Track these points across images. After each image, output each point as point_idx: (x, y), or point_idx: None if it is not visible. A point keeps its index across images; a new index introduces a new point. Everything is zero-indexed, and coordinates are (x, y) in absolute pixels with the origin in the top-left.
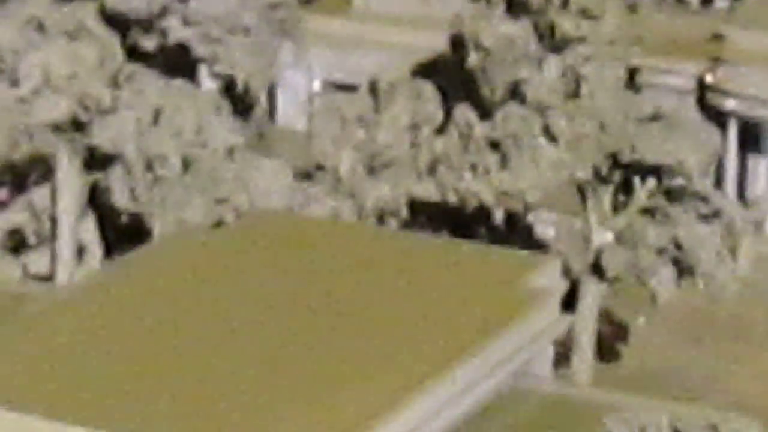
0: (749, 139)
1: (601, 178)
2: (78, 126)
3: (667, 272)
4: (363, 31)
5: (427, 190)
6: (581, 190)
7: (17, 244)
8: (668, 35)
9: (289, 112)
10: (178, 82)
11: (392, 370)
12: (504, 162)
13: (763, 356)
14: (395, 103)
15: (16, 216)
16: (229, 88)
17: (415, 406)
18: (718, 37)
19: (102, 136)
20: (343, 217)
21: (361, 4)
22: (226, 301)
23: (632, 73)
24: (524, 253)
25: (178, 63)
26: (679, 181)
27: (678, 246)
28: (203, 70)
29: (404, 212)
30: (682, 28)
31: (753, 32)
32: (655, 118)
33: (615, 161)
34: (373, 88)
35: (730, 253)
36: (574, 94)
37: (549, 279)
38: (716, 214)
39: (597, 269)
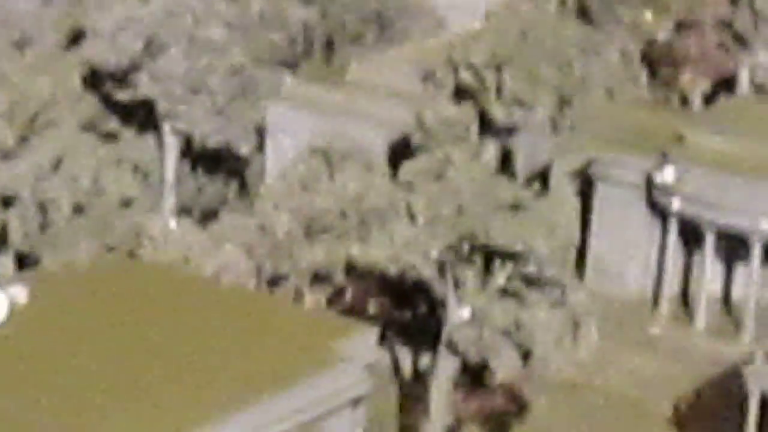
0: (692, 237)
1: (463, 259)
2: None
3: (509, 352)
4: (352, 101)
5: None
6: (442, 269)
7: None
8: (631, 130)
9: (275, 173)
10: (84, 136)
11: (173, 409)
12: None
13: None
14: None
15: None
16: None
17: None
18: (679, 137)
19: (3, 180)
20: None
21: (354, 77)
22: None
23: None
24: (346, 321)
25: (148, 116)
26: (534, 268)
27: (519, 328)
28: (166, 126)
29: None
30: (644, 123)
31: (714, 136)
32: (514, 206)
33: (478, 244)
34: (325, 156)
35: (572, 339)
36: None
37: (358, 346)
38: (562, 301)
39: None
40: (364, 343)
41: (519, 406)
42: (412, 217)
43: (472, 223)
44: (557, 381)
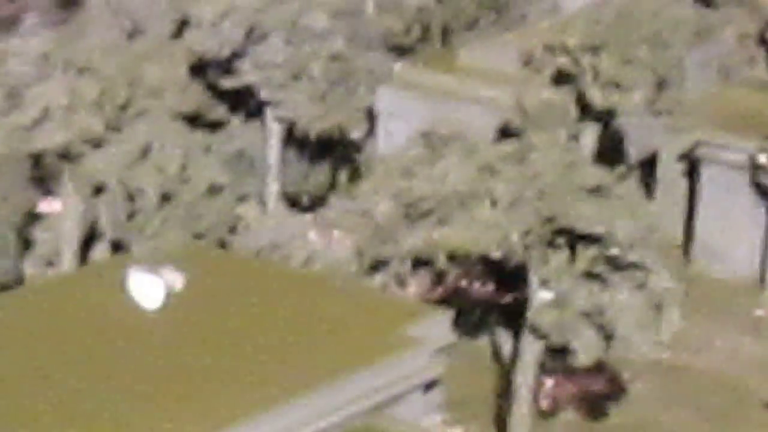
0: None
1: (546, 242)
2: (76, 156)
3: (591, 335)
4: (463, 85)
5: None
6: (527, 252)
7: None
8: (738, 111)
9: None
10: (173, 123)
11: (237, 393)
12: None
13: (744, 428)
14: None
15: None
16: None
17: (252, 428)
18: None
19: (92, 167)
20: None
21: (465, 62)
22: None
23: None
24: (419, 305)
25: (253, 104)
26: (618, 251)
27: (603, 311)
28: (269, 113)
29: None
30: (756, 105)
31: None
32: (595, 190)
33: (560, 228)
34: (430, 141)
35: (654, 322)
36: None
37: (430, 330)
38: (645, 284)
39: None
40: (436, 327)
41: (616, 389)
42: (493, 201)
43: (554, 207)
44: (655, 364)
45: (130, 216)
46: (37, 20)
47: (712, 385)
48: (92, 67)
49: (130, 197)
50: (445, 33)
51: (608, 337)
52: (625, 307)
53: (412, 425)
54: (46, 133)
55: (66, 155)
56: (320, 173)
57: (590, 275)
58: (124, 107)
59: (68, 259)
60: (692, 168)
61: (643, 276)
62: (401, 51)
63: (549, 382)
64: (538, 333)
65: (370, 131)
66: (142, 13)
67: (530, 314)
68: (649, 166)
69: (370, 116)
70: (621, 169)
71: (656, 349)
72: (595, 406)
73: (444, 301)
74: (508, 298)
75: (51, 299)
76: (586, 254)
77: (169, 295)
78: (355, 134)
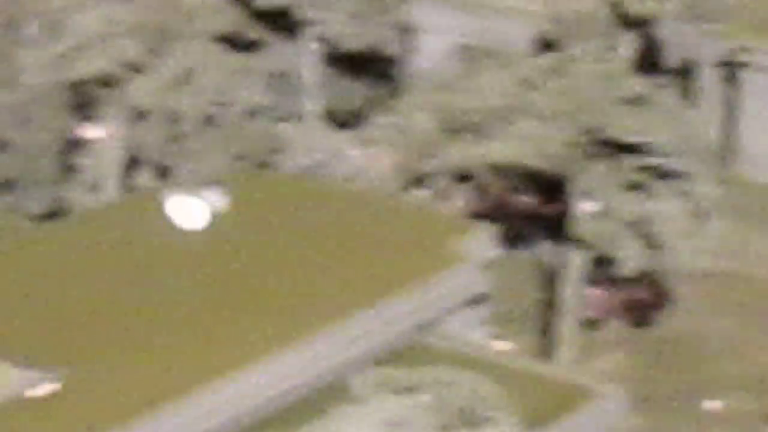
0: None
1: (588, 154)
2: (116, 82)
3: (635, 245)
4: None
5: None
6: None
7: None
8: None
9: (424, 72)
10: (212, 46)
11: (289, 311)
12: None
13: None
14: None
15: None
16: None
17: (304, 345)
18: None
19: (133, 93)
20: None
21: None
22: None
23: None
24: (463, 221)
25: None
26: (660, 160)
27: (647, 221)
28: (306, 32)
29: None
30: None
31: None
32: (635, 100)
33: (602, 139)
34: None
35: (698, 230)
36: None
37: (475, 245)
38: (689, 192)
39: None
40: (482, 241)
41: (661, 297)
42: (534, 114)
43: (594, 118)
44: (699, 272)
45: (173, 140)
46: None
47: (757, 292)
48: None
49: (172, 121)
50: None
51: (652, 246)
52: (669, 216)
53: (461, 341)
54: (85, 60)
55: (106, 82)
56: (359, 91)
57: (633, 185)
58: (162, 32)
59: (111, 185)
60: (732, 74)
61: (686, 184)
62: None
63: (595, 293)
64: (583, 244)
65: (409, 47)
66: None
67: (574, 225)
68: (688, 74)
69: (409, 32)
70: (660, 78)
71: (701, 258)
72: (641, 316)
73: (487, 215)
74: (551, 210)
75: (95, 228)
76: (628, 164)
77: (215, 216)
78: (390, 50)
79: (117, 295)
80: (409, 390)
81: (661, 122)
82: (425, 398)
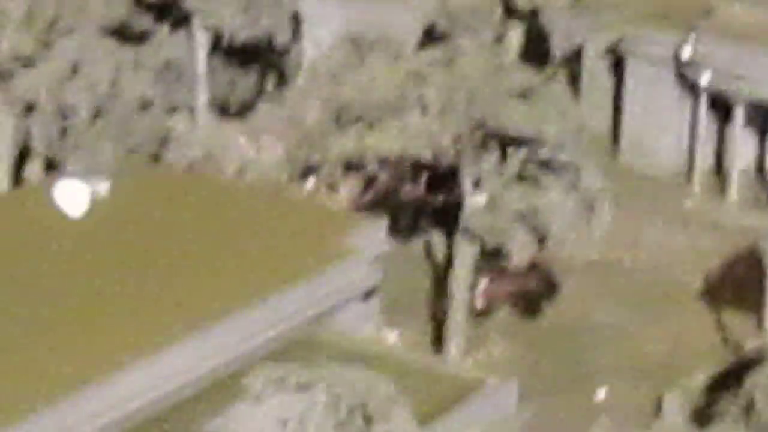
0: (723, 111)
1: (478, 146)
2: (7, 75)
3: (524, 236)
4: None
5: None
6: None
7: None
8: (658, 5)
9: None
10: (102, 40)
11: (177, 306)
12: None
13: (676, 319)
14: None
15: None
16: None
17: (194, 340)
18: (708, 10)
19: (23, 86)
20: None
21: None
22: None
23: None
24: (354, 215)
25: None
26: (548, 152)
27: (535, 212)
28: (196, 22)
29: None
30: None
31: (744, 7)
32: (524, 93)
33: (491, 132)
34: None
35: (586, 221)
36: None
37: (366, 239)
38: (576, 184)
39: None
40: (372, 236)
41: (549, 287)
42: (423, 107)
43: (483, 111)
44: (586, 261)
45: (63, 133)
46: None
47: (644, 279)
48: None
49: (62, 114)
50: None
51: (541, 237)
52: (558, 207)
53: (353, 334)
54: None
55: None
56: (248, 80)
57: (522, 177)
58: (52, 24)
59: (1, 178)
60: (617, 63)
61: (574, 176)
62: None
63: (483, 282)
64: (472, 236)
65: (296, 37)
66: None
67: (464, 218)
68: (574, 64)
69: (296, 22)
70: (548, 70)
71: (588, 248)
72: (529, 304)
73: (375, 205)
74: (439, 200)
75: None
76: (518, 156)
77: (97, 200)
78: (279, 41)
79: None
80: (304, 387)
81: (549, 115)
82: (320, 395)
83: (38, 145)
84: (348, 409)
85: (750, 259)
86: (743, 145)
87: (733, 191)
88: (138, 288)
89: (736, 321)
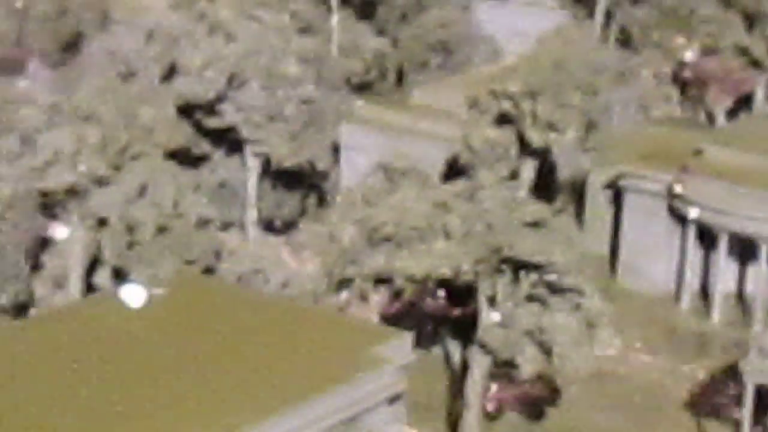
0: (709, 240)
1: (494, 270)
2: (82, 192)
3: (532, 351)
4: (414, 123)
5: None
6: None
7: None
8: (655, 146)
9: (348, 187)
10: (167, 164)
11: (229, 407)
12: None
13: (663, 426)
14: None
15: None
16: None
17: None
18: (698, 152)
19: (96, 204)
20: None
21: (417, 101)
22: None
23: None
24: (384, 328)
25: (234, 141)
26: (555, 277)
27: (543, 330)
28: (248, 149)
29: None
30: (670, 139)
31: (729, 151)
32: (535, 224)
33: (505, 257)
34: (388, 173)
35: (587, 338)
36: (470, 197)
37: (394, 350)
38: (579, 305)
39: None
40: (400, 347)
41: (552, 394)
42: (447, 234)
43: (500, 239)
44: (586, 372)
45: (130, 246)
46: (40, 64)
47: (637, 390)
48: (94, 114)
49: (129, 229)
50: (400, 73)
51: (548, 352)
52: (563, 326)
53: None
54: (55, 174)
55: (73, 192)
56: (292, 201)
57: (531, 298)
58: (123, 150)
59: (74, 283)
60: (617, 196)
61: (578, 298)
62: (361, 89)
63: (494, 387)
64: (487, 349)
65: (336, 162)
66: (134, 57)
67: (480, 333)
68: (580, 195)
69: (336, 149)
70: (557, 203)
71: (589, 362)
72: (534, 409)
73: (401, 315)
74: (458, 312)
75: (58, 325)
76: (528, 280)
77: (155, 307)
78: (321, 166)
79: (85, 381)
80: None
81: (556, 243)
82: None
83: (108, 256)
84: None
85: (730, 374)
86: (726, 271)
87: (717, 312)
88: (194, 389)
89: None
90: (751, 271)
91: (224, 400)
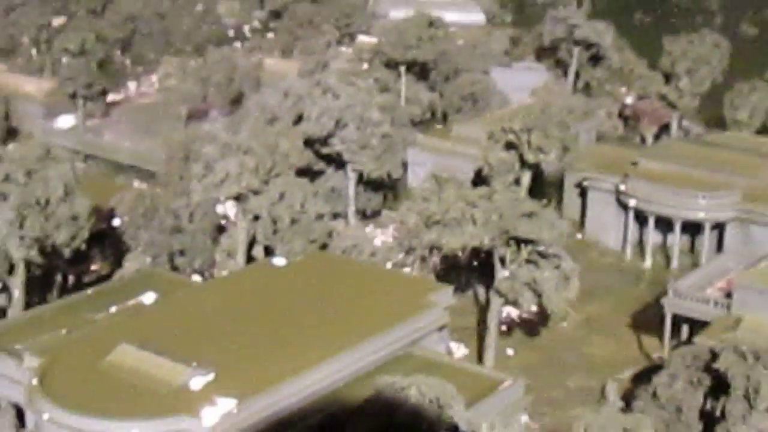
0: (642, 220)
1: (503, 243)
2: (244, 198)
3: (530, 296)
4: (455, 147)
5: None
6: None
7: None
8: (609, 159)
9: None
10: (297, 179)
11: (330, 338)
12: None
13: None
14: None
15: None
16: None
17: (344, 357)
18: (635, 163)
19: (252, 205)
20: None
21: (455, 134)
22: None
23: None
24: (434, 282)
25: (340, 161)
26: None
27: (535, 281)
28: (348, 167)
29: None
30: (617, 155)
31: (655, 162)
32: (530, 214)
33: (512, 236)
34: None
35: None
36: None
37: (440, 296)
38: (558, 266)
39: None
40: (444, 294)
41: (543, 319)
42: (474, 221)
43: (507, 224)
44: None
45: (274, 232)
46: (217, 113)
47: (595, 321)
48: (251, 148)
49: (274, 221)
50: (444, 116)
51: (539, 296)
52: (548, 279)
53: (433, 350)
54: (227, 188)
55: (238, 198)
56: (377, 198)
57: (528, 261)
58: (269, 171)
59: (240, 255)
60: (583, 193)
61: (558, 261)
62: (420, 126)
63: (504, 312)
64: (500, 294)
65: (405, 173)
66: (276, 108)
67: (495, 284)
68: (559, 193)
69: (405, 165)
70: (544, 201)
71: (565, 303)
72: (532, 328)
73: (446, 271)
74: (482, 271)
75: (231, 283)
76: (527, 249)
77: (289, 271)
78: (395, 176)
79: (250, 315)
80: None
81: (544, 226)
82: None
83: (260, 238)
84: (428, 400)
85: (655, 305)
86: (654, 239)
87: (648, 259)
88: (307, 323)
89: (650, 341)
90: (669, 238)
91: (335, 328)
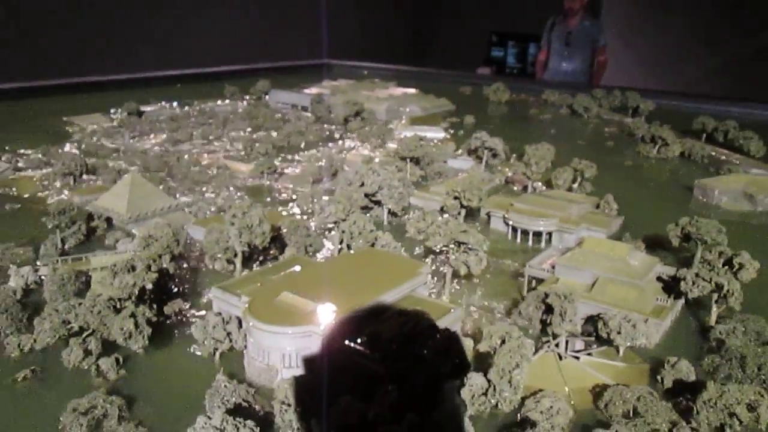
0: (523, 234)
1: (454, 244)
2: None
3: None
4: (432, 196)
5: None
6: None
7: None
8: (500, 202)
9: None
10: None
11: (378, 288)
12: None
13: None
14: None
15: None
16: None
17: (384, 296)
18: (512, 204)
19: (343, 226)
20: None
21: (432, 189)
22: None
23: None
24: (421, 262)
25: (378, 203)
26: None
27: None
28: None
29: None
30: (503, 200)
31: (522, 203)
32: (465, 231)
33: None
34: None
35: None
36: None
37: (424, 269)
38: (478, 253)
39: None
40: (426, 267)
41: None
42: (439, 234)
43: (454, 235)
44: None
45: (351, 239)
46: (327, 180)
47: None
48: (340, 200)
49: (350, 235)
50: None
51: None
52: (472, 260)
53: (421, 295)
54: (331, 218)
55: (336, 222)
56: (397, 220)
57: (464, 252)
58: (349, 209)
59: (336, 249)
60: (489, 218)
61: (476, 252)
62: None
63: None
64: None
65: (409, 208)
66: (352, 177)
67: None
68: (478, 218)
69: (409, 204)
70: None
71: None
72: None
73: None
74: None
75: (339, 261)
76: (464, 247)
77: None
78: (405, 210)
79: (345, 279)
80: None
81: (471, 236)
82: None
83: (345, 242)
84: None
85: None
86: (520, 240)
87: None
88: (367, 283)
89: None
90: (528, 240)
91: (380, 284)
